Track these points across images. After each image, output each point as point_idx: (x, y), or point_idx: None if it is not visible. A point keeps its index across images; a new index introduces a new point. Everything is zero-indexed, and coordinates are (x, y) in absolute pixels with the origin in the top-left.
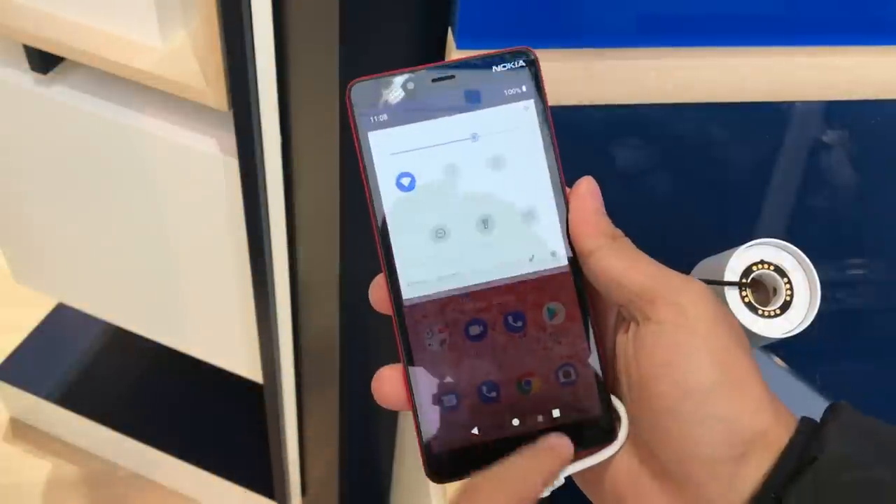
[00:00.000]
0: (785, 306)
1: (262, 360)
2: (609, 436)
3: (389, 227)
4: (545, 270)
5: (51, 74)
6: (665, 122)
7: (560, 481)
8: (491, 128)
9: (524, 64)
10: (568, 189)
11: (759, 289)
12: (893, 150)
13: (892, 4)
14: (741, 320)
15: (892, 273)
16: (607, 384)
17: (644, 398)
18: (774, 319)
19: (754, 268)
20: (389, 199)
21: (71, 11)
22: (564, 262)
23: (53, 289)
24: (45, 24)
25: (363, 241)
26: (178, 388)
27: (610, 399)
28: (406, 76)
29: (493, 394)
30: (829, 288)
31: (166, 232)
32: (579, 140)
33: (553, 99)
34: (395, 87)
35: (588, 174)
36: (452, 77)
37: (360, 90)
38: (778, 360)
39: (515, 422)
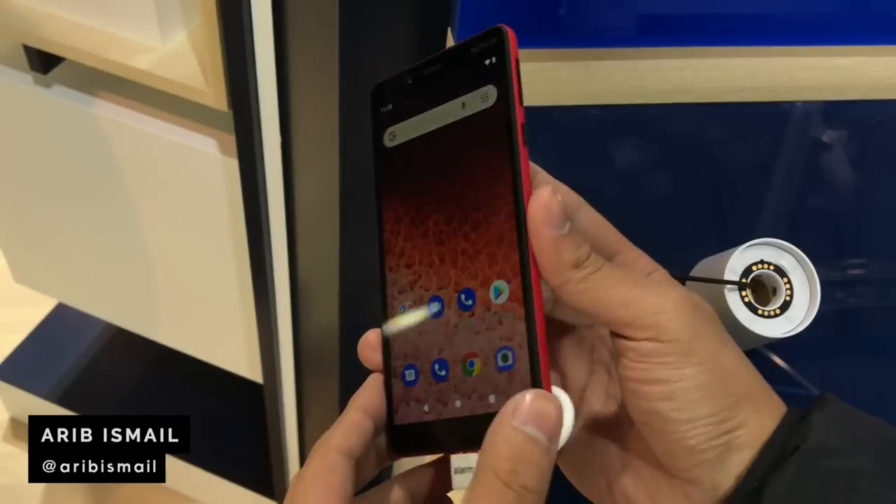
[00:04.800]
0: (785, 306)
1: (262, 360)
2: None
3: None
4: (494, 246)
5: (51, 74)
6: (665, 122)
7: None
8: (466, 111)
9: (496, 42)
10: (530, 184)
11: (759, 289)
12: (893, 149)
13: (892, 4)
14: (741, 320)
15: (892, 273)
16: (544, 372)
17: (632, 403)
18: (774, 319)
19: (754, 268)
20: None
21: (71, 11)
22: (514, 244)
23: (53, 289)
24: (45, 24)
25: (363, 241)
26: (178, 388)
27: (546, 386)
28: (400, 75)
29: (443, 372)
30: (829, 288)
31: (166, 232)
32: (579, 140)
33: (553, 99)
34: (401, 85)
35: (588, 174)
36: (438, 67)
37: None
38: (778, 360)
39: (458, 403)
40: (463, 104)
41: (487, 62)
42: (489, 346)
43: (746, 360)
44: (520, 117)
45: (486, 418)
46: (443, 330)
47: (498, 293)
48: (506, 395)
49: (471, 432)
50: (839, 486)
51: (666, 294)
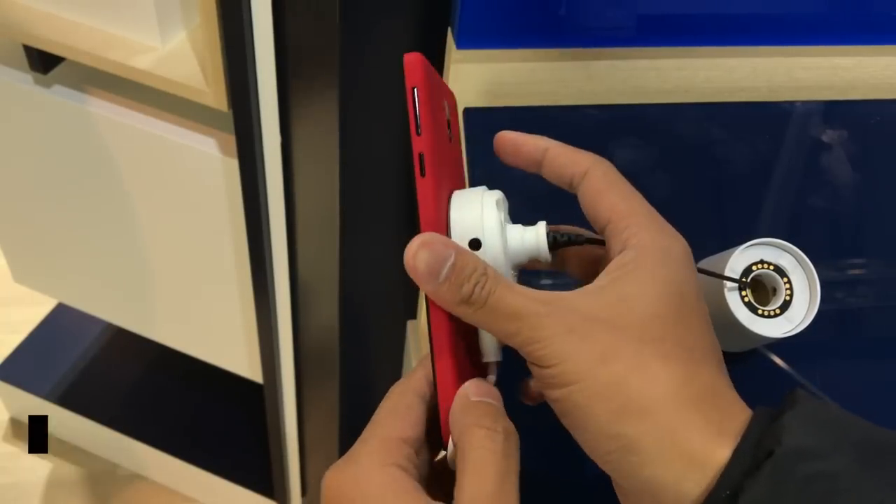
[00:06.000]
0: (785, 306)
1: (262, 360)
2: None
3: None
4: None
5: (51, 74)
6: (665, 122)
7: None
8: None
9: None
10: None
11: (759, 289)
12: (893, 149)
13: (892, 4)
14: (741, 320)
15: (892, 273)
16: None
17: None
18: (774, 319)
19: (754, 268)
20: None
21: (71, 11)
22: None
23: (53, 289)
24: (45, 24)
25: (363, 242)
26: (178, 388)
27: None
28: None
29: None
30: (829, 288)
31: (166, 232)
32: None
33: (553, 99)
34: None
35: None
36: None
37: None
38: (778, 360)
39: None
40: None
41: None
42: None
43: (646, 370)
44: (417, 147)
45: None
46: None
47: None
48: None
49: None
50: (819, 491)
51: (548, 316)
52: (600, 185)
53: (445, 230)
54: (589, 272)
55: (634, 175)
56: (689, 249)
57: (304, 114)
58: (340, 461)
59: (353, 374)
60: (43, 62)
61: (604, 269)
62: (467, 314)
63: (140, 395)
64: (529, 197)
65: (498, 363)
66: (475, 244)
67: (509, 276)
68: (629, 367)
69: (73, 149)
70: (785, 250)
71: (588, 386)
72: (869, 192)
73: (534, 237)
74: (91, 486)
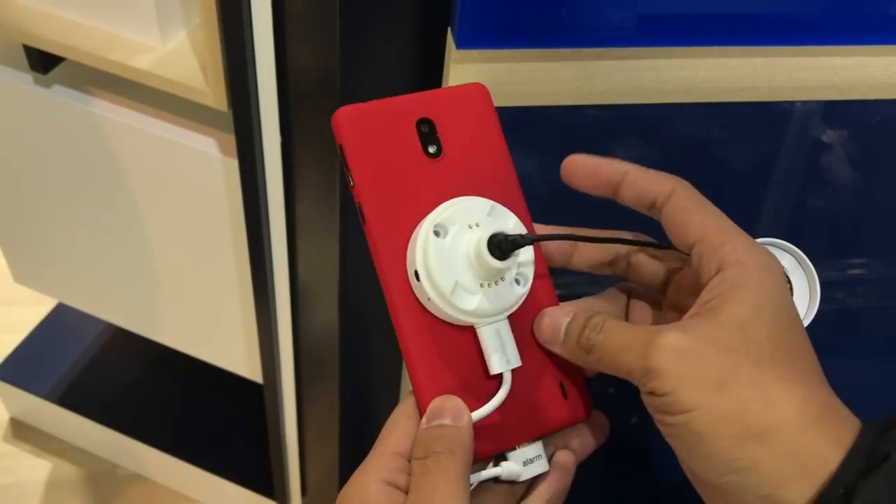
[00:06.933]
0: None
1: (262, 360)
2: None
3: None
4: None
5: (51, 74)
6: (665, 122)
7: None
8: None
9: None
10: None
11: None
12: (893, 149)
13: (892, 4)
14: None
15: (892, 273)
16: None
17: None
18: None
19: None
20: None
21: (71, 11)
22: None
23: (53, 289)
24: (45, 24)
25: (363, 241)
26: (178, 388)
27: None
28: None
29: None
30: (829, 288)
31: (166, 232)
32: (579, 140)
33: (553, 99)
34: None
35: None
36: None
37: None
38: None
39: None
40: None
41: None
42: None
43: (765, 394)
44: (356, 197)
45: None
46: None
47: None
48: None
49: None
50: None
51: (658, 343)
52: (688, 204)
53: (404, 266)
54: (654, 283)
55: None
56: (781, 265)
57: (304, 114)
58: (353, 474)
59: (353, 374)
60: (43, 62)
61: (674, 282)
62: (589, 360)
63: (140, 395)
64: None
65: (513, 370)
66: (416, 276)
67: (478, 289)
68: (748, 392)
69: (73, 149)
70: (785, 250)
71: (706, 412)
72: (869, 192)
73: (474, 247)
74: (91, 486)
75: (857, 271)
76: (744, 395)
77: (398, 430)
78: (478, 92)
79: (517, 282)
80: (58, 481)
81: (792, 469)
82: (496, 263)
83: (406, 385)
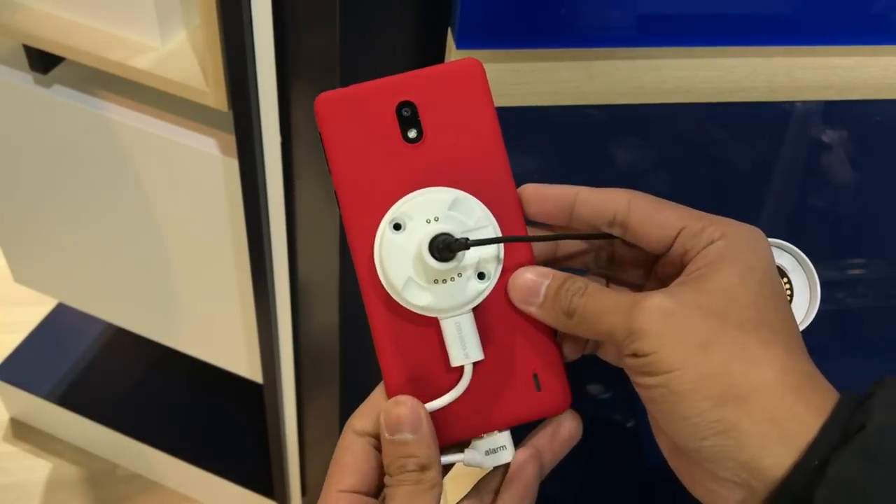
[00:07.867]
0: None
1: (262, 360)
2: None
3: None
4: None
5: (51, 74)
6: (664, 122)
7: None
8: None
9: None
10: None
11: None
12: (893, 149)
13: (892, 4)
14: None
15: (892, 273)
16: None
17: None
18: None
19: None
20: None
21: (71, 11)
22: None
23: (53, 289)
24: (45, 24)
25: None
26: (178, 388)
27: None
28: None
29: None
30: (829, 288)
31: (166, 232)
32: (579, 140)
33: (553, 99)
34: None
35: (588, 174)
36: None
37: None
38: None
39: None
40: None
41: None
42: None
43: (748, 356)
44: (334, 185)
45: None
46: None
47: None
48: None
49: None
50: None
51: (644, 304)
52: (653, 205)
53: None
54: (635, 273)
55: (634, 175)
56: (767, 240)
57: (304, 114)
58: None
59: (352, 374)
60: (43, 62)
61: (658, 266)
62: (570, 324)
63: (140, 395)
64: None
65: (473, 364)
66: (377, 268)
67: (430, 285)
68: (732, 353)
69: (72, 149)
70: (785, 250)
71: (688, 372)
72: (869, 192)
73: (416, 245)
74: (91, 486)
75: (857, 271)
76: (727, 357)
77: (340, 467)
78: (471, 70)
79: (480, 276)
80: (58, 481)
81: (772, 433)
82: (436, 265)
83: None
